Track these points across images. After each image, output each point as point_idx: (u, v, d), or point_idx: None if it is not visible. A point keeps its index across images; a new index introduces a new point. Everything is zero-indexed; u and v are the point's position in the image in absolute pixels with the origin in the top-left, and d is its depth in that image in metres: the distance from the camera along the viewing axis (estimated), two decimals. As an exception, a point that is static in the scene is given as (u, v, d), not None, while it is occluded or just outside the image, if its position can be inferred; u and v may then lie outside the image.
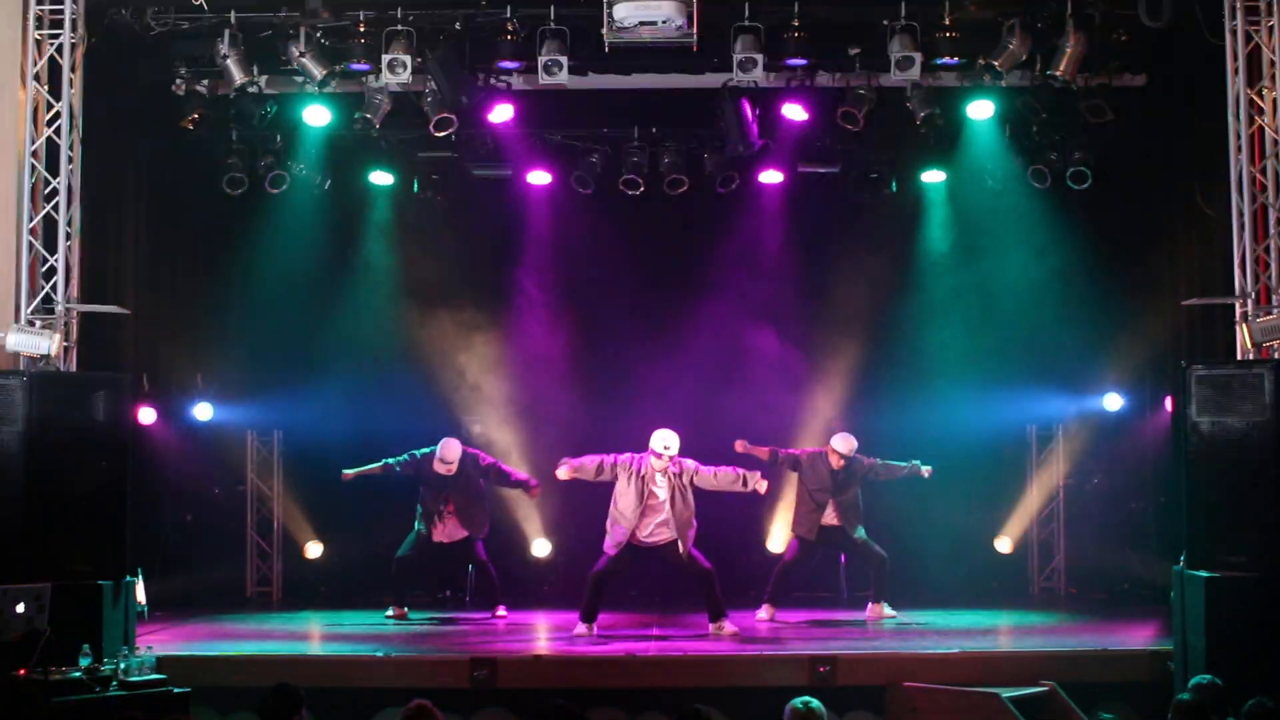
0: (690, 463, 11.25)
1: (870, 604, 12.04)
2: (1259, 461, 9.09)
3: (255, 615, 12.47)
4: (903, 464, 12.07)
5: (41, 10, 10.62)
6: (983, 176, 13.26)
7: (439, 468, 12.08)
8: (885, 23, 11.42)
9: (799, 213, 13.87)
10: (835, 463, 11.87)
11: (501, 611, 12.29)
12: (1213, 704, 6.79)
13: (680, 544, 11.15)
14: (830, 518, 11.94)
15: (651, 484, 11.14)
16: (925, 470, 12.09)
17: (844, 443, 11.90)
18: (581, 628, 11.11)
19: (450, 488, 12.19)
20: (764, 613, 11.86)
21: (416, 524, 12.28)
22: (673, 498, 11.13)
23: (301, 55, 11.47)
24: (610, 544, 11.25)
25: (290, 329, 13.55)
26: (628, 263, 13.73)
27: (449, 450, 12.10)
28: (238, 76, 11.57)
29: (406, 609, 12.18)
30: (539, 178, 13.56)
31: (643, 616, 12.04)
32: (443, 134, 12.16)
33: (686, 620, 11.56)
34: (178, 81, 12.06)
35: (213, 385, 13.52)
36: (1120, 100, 12.02)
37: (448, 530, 12.26)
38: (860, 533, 12.01)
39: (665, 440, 11.16)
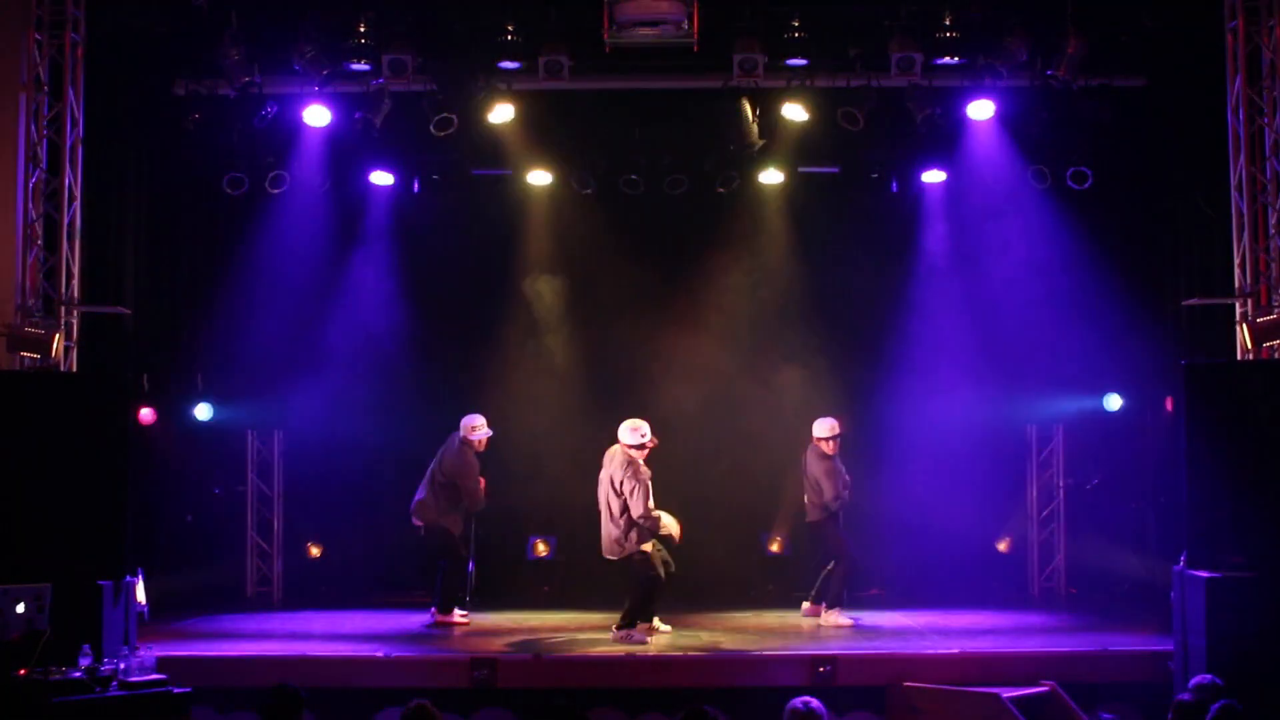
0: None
1: (810, 605, 11.92)
2: (1259, 462, 9.09)
3: (255, 615, 12.45)
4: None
5: (42, 11, 10.64)
6: (983, 176, 13.25)
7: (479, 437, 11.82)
8: (885, 23, 11.43)
9: (799, 213, 13.85)
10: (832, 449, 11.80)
11: (438, 619, 11.69)
12: (1212, 704, 6.79)
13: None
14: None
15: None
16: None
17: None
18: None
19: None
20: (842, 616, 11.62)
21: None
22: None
23: (301, 55, 11.48)
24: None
25: (290, 329, 13.53)
26: (628, 263, 13.70)
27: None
28: (238, 76, 11.58)
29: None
30: (539, 178, 13.56)
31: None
32: (443, 134, 12.17)
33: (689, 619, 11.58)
34: (178, 81, 12.07)
35: (212, 385, 13.51)
36: (1120, 100, 12.02)
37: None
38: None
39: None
